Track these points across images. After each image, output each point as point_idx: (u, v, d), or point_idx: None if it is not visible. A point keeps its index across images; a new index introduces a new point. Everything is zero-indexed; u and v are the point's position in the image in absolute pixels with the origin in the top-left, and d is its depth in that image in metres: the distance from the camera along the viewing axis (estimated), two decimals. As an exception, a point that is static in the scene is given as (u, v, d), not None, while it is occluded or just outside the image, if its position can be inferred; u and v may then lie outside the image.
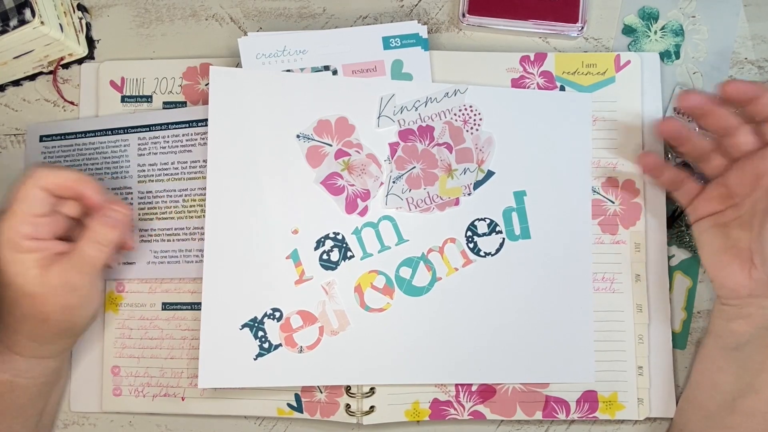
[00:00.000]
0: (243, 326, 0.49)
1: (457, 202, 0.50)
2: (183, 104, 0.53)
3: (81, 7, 0.55)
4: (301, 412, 0.50)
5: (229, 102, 0.50)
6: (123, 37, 0.55)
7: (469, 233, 0.50)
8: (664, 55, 0.53)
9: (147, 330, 0.52)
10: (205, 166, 0.51)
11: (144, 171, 0.52)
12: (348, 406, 0.50)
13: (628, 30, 0.54)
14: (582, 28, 0.53)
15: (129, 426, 0.52)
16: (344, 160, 0.50)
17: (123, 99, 0.54)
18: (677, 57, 0.53)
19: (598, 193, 0.51)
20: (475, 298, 0.50)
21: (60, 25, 0.51)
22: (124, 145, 0.53)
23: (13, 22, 0.48)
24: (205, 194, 0.50)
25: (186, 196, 0.52)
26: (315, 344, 0.49)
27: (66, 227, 0.46)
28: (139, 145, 0.52)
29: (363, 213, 0.50)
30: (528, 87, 0.52)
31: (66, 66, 0.55)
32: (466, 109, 0.51)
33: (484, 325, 0.50)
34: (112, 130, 0.53)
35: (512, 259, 0.50)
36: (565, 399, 0.50)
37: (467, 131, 0.51)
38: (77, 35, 0.53)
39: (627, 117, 0.52)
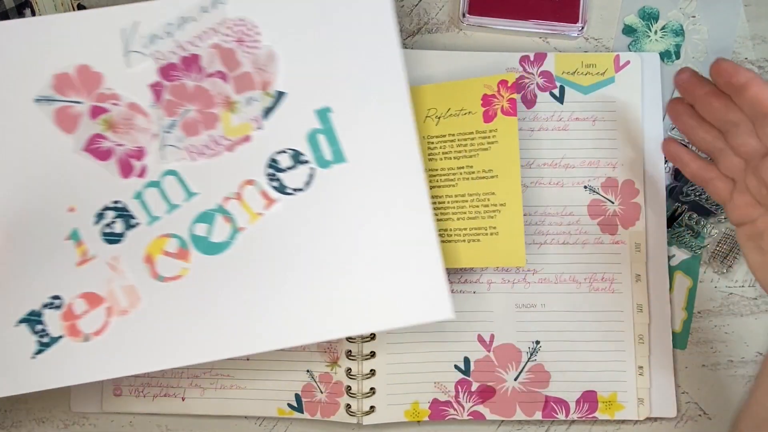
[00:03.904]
0: (19, 322, 0.43)
1: (248, 139, 0.43)
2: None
3: (81, 7, 0.55)
4: (302, 412, 0.50)
5: None
6: (123, 37, 0.55)
7: (271, 171, 0.43)
8: (665, 55, 0.53)
9: (146, 330, 0.52)
10: None
11: None
12: (348, 406, 0.50)
13: (628, 30, 0.54)
14: (582, 28, 0.53)
15: (129, 426, 0.52)
16: (103, 118, 0.43)
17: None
18: (677, 57, 0.53)
19: (597, 193, 0.51)
20: (289, 243, 0.43)
21: (60, 25, 0.51)
22: None
23: (13, 23, 0.47)
24: None
25: None
26: (102, 328, 0.43)
27: None
28: None
29: (142, 174, 0.43)
30: (527, 87, 0.52)
31: (66, 66, 0.55)
32: (236, 25, 0.43)
33: (306, 273, 0.43)
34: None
35: (328, 190, 0.43)
36: (565, 399, 0.50)
37: (244, 52, 0.43)
38: (77, 35, 0.53)
39: (627, 117, 0.52)
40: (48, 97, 0.42)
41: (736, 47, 0.54)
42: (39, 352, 0.43)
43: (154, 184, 0.43)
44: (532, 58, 0.52)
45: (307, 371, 0.51)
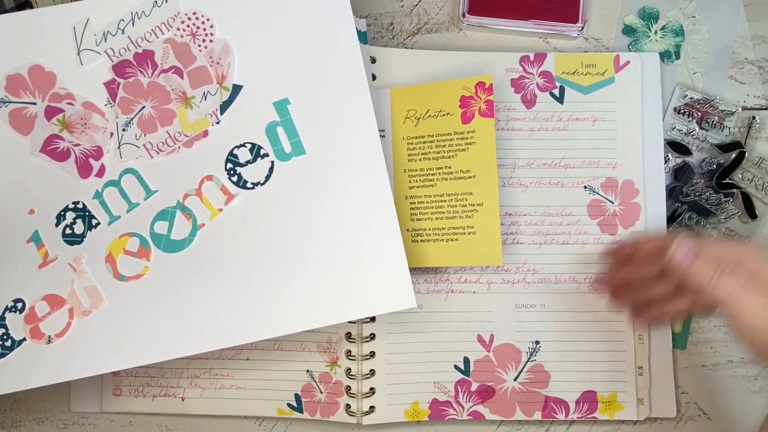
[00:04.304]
0: None
1: (206, 134, 0.43)
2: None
3: (81, 7, 0.55)
4: (301, 412, 0.50)
5: None
6: (123, 37, 0.55)
7: (230, 165, 0.43)
8: (664, 55, 0.53)
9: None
10: None
11: None
12: (348, 406, 0.50)
13: (628, 30, 0.54)
14: (582, 28, 0.53)
15: (129, 426, 0.52)
16: (59, 118, 0.42)
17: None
18: (677, 57, 0.53)
19: (597, 193, 0.51)
20: (249, 238, 0.43)
21: (60, 25, 0.51)
22: None
23: (13, 22, 0.47)
24: None
25: None
26: (65, 330, 0.43)
27: None
28: None
29: (101, 173, 0.43)
30: (527, 87, 0.52)
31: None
32: (189, 19, 0.42)
33: (267, 267, 0.42)
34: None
35: (288, 183, 0.43)
36: (565, 399, 0.50)
37: (198, 46, 0.42)
38: (77, 35, 0.53)
39: (627, 117, 0.52)
40: (1, 99, 0.42)
41: (736, 47, 0.54)
42: (2, 356, 0.43)
43: (113, 183, 0.43)
44: (532, 58, 0.52)
45: (307, 371, 0.51)
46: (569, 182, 0.52)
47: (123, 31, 0.41)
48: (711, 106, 0.52)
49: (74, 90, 0.42)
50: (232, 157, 0.43)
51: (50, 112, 0.42)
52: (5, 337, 0.43)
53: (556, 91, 0.52)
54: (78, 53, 0.42)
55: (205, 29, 0.42)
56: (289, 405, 0.50)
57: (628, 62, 0.52)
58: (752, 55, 0.53)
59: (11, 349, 0.43)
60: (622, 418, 0.50)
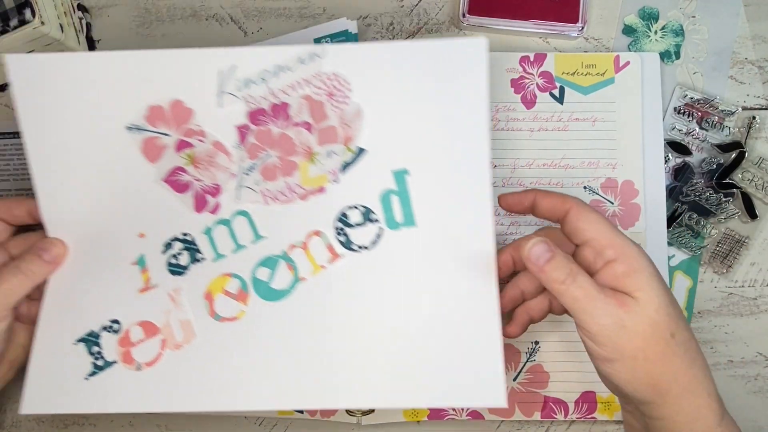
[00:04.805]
0: (78, 341, 0.43)
1: (322, 190, 0.43)
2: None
3: (81, 7, 0.55)
4: (301, 412, 0.50)
5: (40, 95, 0.43)
6: (123, 37, 0.55)
7: (340, 225, 0.43)
8: (664, 55, 0.53)
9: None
10: None
11: None
12: (347, 406, 0.50)
13: (628, 30, 0.54)
14: (582, 28, 0.53)
15: (129, 426, 0.52)
16: (187, 152, 0.43)
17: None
18: (677, 57, 0.53)
19: (597, 193, 0.51)
20: (348, 300, 0.42)
21: (60, 25, 0.51)
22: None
23: (14, 22, 0.48)
24: None
25: None
26: (155, 360, 0.42)
27: None
28: None
29: (215, 210, 0.43)
30: (527, 87, 0.52)
31: (66, 66, 0.55)
32: (329, 79, 0.42)
33: (358, 334, 0.42)
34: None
35: (393, 252, 0.42)
36: (564, 400, 0.50)
37: (332, 105, 0.42)
38: (77, 35, 0.54)
39: (627, 118, 0.52)
40: (139, 126, 0.43)
41: (736, 47, 0.54)
42: (92, 374, 0.42)
43: (225, 222, 0.43)
44: (532, 59, 0.52)
45: (307, 371, 0.51)
46: (569, 182, 0.52)
47: (265, 80, 0.42)
48: (711, 106, 0.52)
49: (207, 128, 0.43)
50: (343, 217, 0.43)
51: (181, 146, 0.43)
52: (99, 356, 0.43)
53: (556, 92, 0.52)
54: (218, 95, 0.43)
55: (342, 91, 0.42)
56: (288, 405, 0.51)
57: (628, 62, 0.52)
58: (752, 55, 0.53)
59: (102, 368, 0.42)
60: (621, 418, 0.50)
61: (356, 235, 0.43)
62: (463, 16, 0.53)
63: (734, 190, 0.51)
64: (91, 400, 0.42)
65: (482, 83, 0.41)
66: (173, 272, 0.43)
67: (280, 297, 0.43)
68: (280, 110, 0.43)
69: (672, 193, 0.52)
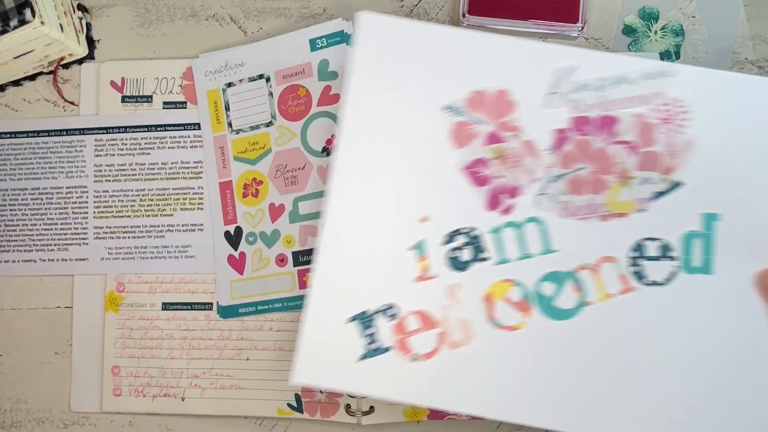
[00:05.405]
0: (351, 319, 0.42)
1: (625, 215, 0.41)
2: (183, 104, 0.53)
3: (81, 7, 0.55)
4: (301, 412, 0.50)
5: (375, 58, 0.42)
6: (123, 37, 0.55)
7: (635, 253, 0.41)
8: (664, 55, 0.53)
9: (147, 330, 0.52)
10: (164, 168, 0.52)
11: (101, 171, 0.54)
12: (348, 406, 0.50)
13: (628, 30, 0.54)
14: (582, 28, 0.53)
15: (129, 426, 0.52)
16: (496, 147, 0.42)
17: (123, 99, 0.54)
18: (677, 57, 0.53)
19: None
20: (631, 336, 0.41)
21: (60, 25, 0.51)
22: (80, 146, 0.54)
23: (14, 22, 0.48)
24: (162, 194, 0.52)
25: (143, 196, 0.53)
26: (432, 353, 0.42)
27: None
28: (96, 146, 0.54)
29: (507, 211, 0.42)
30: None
31: (66, 66, 0.55)
32: (670, 104, 0.40)
33: (637, 370, 0.40)
34: (67, 130, 0.54)
35: (686, 296, 0.41)
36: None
37: (663, 132, 0.40)
38: (77, 35, 0.53)
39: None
40: (457, 109, 0.42)
41: (736, 47, 0.54)
42: (365, 357, 0.42)
43: (515, 225, 0.42)
44: (532, 58, 0.52)
45: (307, 371, 0.50)
46: None
47: (601, 89, 0.40)
48: (711, 106, 0.52)
49: (525, 125, 0.41)
50: (638, 248, 0.41)
51: (492, 138, 0.42)
52: (373, 338, 0.42)
53: (557, 91, 0.52)
54: (547, 94, 0.41)
55: (679, 120, 0.40)
56: (289, 405, 0.50)
57: (628, 62, 0.52)
58: (752, 55, 0.53)
59: (376, 352, 0.42)
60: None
61: (650, 269, 0.41)
62: (463, 16, 0.53)
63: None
64: (363, 381, 0.42)
65: None
66: (453, 266, 0.42)
67: (564, 317, 0.41)
68: (606, 123, 0.40)
69: (672, 192, 0.51)
